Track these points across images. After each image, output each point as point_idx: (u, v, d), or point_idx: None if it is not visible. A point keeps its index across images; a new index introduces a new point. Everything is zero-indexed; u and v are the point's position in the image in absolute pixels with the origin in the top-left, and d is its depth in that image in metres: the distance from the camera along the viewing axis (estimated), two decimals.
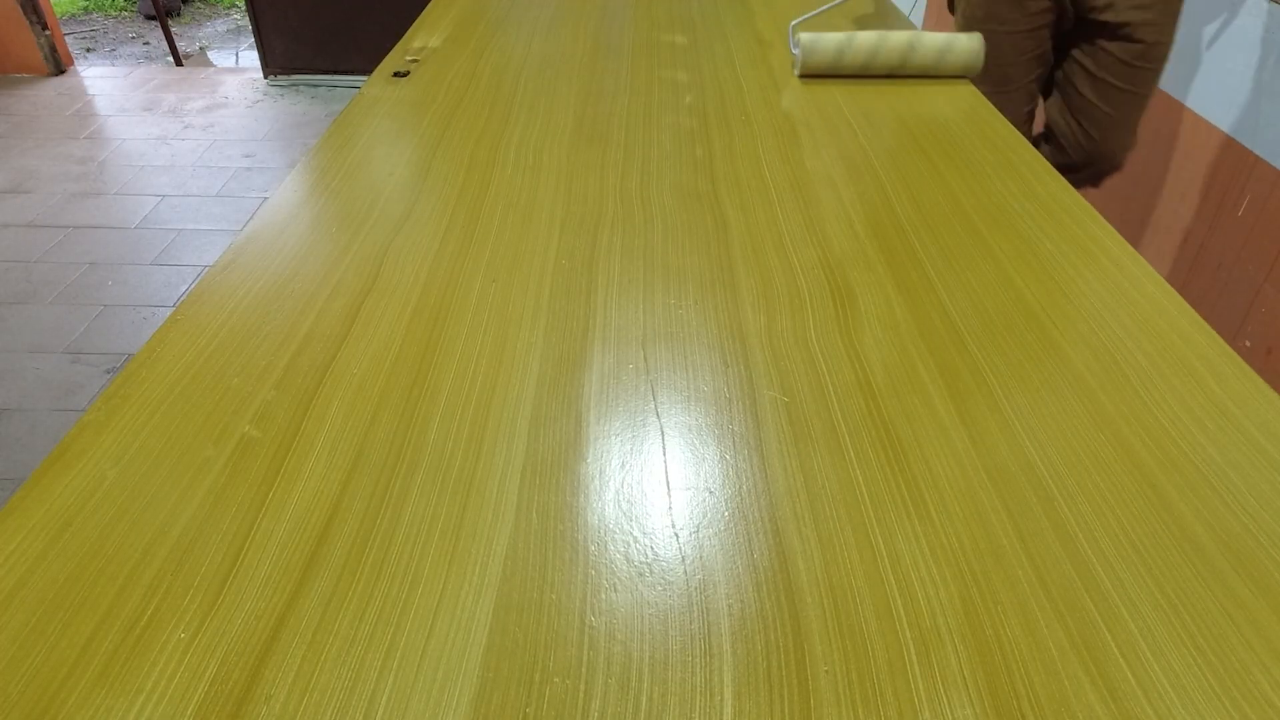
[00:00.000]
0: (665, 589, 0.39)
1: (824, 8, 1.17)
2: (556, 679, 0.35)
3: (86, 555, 0.40)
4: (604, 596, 0.39)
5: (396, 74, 1.00)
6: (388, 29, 3.19)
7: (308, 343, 0.55)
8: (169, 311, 0.56)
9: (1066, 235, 0.68)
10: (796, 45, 1.00)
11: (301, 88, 3.42)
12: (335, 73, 3.44)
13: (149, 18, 4.47)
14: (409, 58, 1.05)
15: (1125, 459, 0.47)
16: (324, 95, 3.36)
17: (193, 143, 2.94)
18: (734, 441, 0.48)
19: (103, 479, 0.45)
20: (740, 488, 0.45)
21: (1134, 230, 1.69)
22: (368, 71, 1.00)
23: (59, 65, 3.51)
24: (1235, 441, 0.48)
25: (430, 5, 1.26)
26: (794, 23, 1.09)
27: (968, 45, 1.00)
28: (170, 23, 4.16)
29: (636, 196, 0.73)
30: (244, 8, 3.69)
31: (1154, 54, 1.31)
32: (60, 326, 1.98)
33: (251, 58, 3.93)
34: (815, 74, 0.99)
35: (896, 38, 0.99)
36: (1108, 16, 1.29)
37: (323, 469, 0.45)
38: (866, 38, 0.98)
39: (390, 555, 0.41)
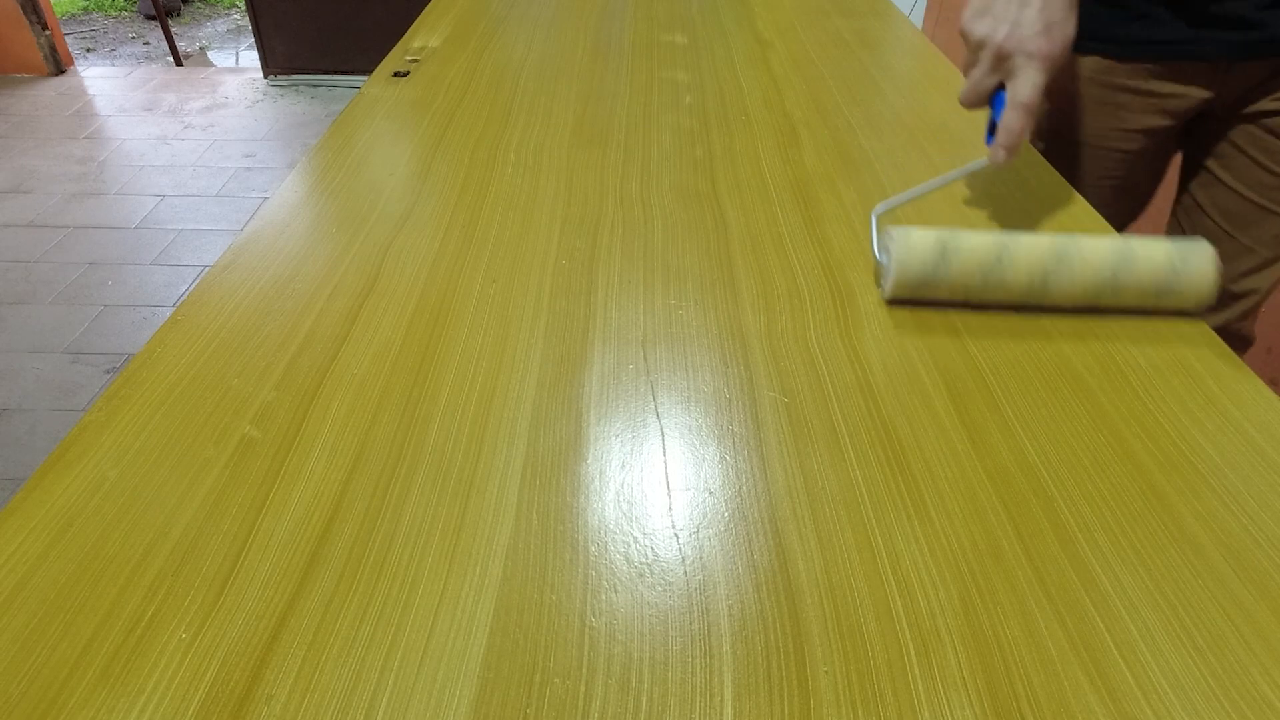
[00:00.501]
0: (665, 590, 0.39)
1: (915, 191, 0.66)
2: (557, 680, 0.35)
3: (87, 556, 0.40)
4: (604, 597, 0.39)
5: (396, 74, 1.00)
6: (388, 29, 3.19)
7: (308, 343, 0.55)
8: (169, 311, 0.56)
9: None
10: (884, 251, 0.59)
11: (301, 88, 3.42)
12: (335, 73, 3.44)
13: (149, 18, 4.47)
14: (409, 58, 1.05)
15: (1125, 459, 0.47)
16: (324, 95, 3.36)
17: (193, 143, 2.95)
18: (734, 442, 0.48)
19: (103, 479, 0.45)
20: (740, 488, 0.45)
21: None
22: (368, 71, 1.00)
23: (59, 65, 3.52)
24: (1235, 442, 0.48)
25: (430, 5, 1.27)
26: (878, 211, 0.64)
27: (1198, 269, 0.56)
28: (170, 23, 4.16)
29: (636, 196, 0.73)
30: (244, 8, 3.69)
31: None
32: (60, 326, 1.98)
33: (251, 58, 3.92)
34: (910, 300, 0.59)
35: (1058, 250, 0.56)
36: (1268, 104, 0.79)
37: (323, 469, 0.45)
38: (994, 248, 0.56)
39: (391, 556, 0.41)
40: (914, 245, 0.56)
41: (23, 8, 3.32)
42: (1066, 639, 0.37)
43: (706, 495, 0.44)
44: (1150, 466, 0.46)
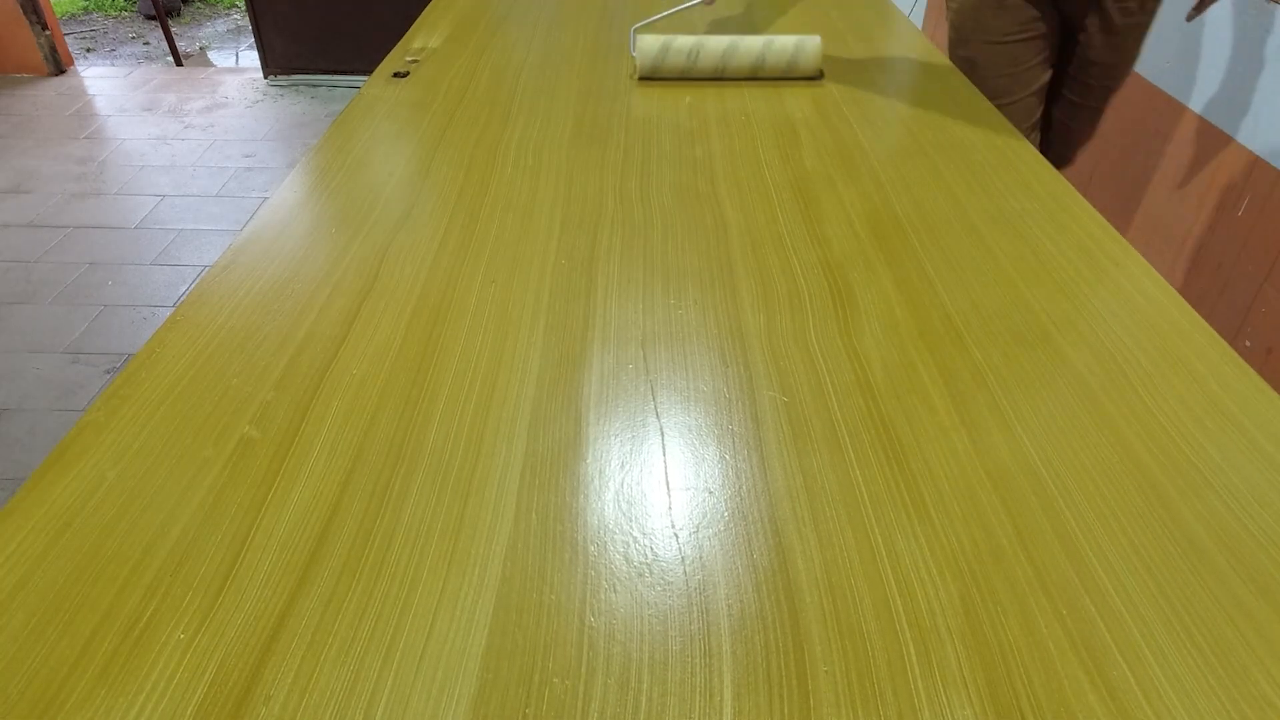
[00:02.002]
0: (665, 589, 0.39)
1: (667, 12, 1.09)
2: (556, 679, 0.35)
3: (86, 555, 0.40)
4: (603, 597, 0.39)
5: (396, 74, 0.99)
6: (388, 29, 3.19)
7: (307, 343, 0.55)
8: (169, 311, 0.56)
9: (1066, 235, 0.68)
10: (635, 49, 0.98)
11: (301, 88, 3.42)
12: (335, 73, 3.44)
13: (149, 18, 4.47)
14: (409, 58, 1.05)
15: (1125, 459, 0.47)
16: (324, 95, 3.36)
17: (193, 143, 2.95)
18: (733, 441, 0.48)
19: (103, 479, 0.45)
20: (740, 488, 0.45)
21: (1134, 230, 1.69)
22: (368, 71, 1.00)
23: (59, 65, 3.52)
24: (1235, 442, 0.48)
25: (430, 5, 1.26)
26: (635, 26, 1.05)
27: (812, 50, 0.99)
28: (170, 23, 4.16)
29: (636, 196, 0.73)
30: (244, 8, 3.69)
31: (1121, 73, 1.27)
32: (60, 326, 1.98)
33: (251, 58, 3.92)
34: (656, 77, 0.99)
35: (745, 45, 0.98)
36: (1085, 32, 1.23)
37: (322, 469, 0.45)
38: (714, 45, 0.98)
39: (390, 556, 0.41)
40: (649, 42, 0.99)
41: (23, 8, 3.32)
42: (1067, 638, 0.37)
43: (706, 495, 0.44)
44: (1151, 466, 0.46)
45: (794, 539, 0.42)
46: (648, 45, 0.98)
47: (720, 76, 0.99)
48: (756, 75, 0.99)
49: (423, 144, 0.82)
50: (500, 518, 0.43)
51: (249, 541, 0.41)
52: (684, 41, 0.98)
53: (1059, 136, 1.37)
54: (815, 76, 1.00)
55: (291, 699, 0.34)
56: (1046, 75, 1.33)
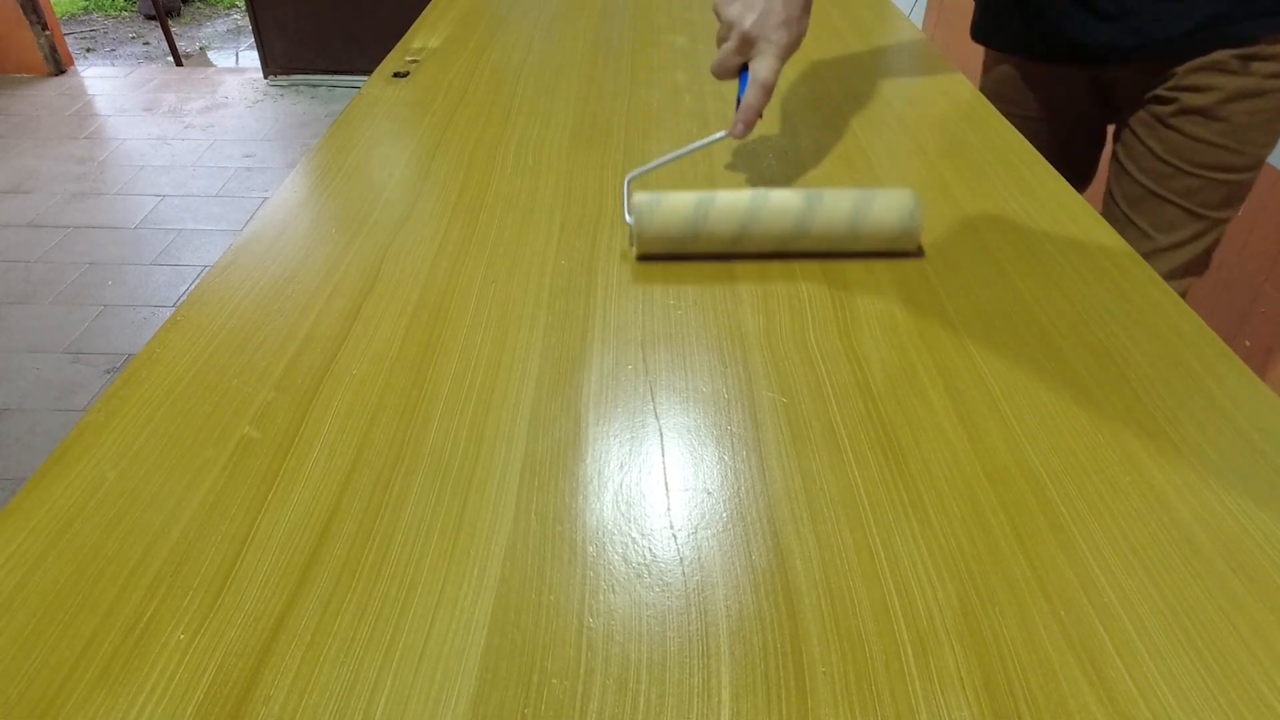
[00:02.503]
0: (663, 590, 0.39)
1: (664, 159, 0.72)
2: (554, 680, 0.35)
3: (86, 556, 0.41)
4: (602, 598, 0.39)
5: (396, 74, 1.00)
6: (388, 29, 3.19)
7: (308, 343, 0.55)
8: (169, 311, 0.56)
9: (1066, 235, 0.68)
10: (631, 213, 0.63)
11: (301, 88, 3.42)
12: (335, 73, 3.44)
13: (149, 18, 4.47)
14: (409, 58, 1.05)
15: (1124, 459, 0.47)
16: (324, 95, 3.36)
17: (193, 143, 2.95)
18: (732, 442, 0.48)
19: (103, 480, 0.45)
20: (739, 489, 0.45)
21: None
22: (368, 71, 1.00)
23: (59, 65, 3.52)
24: (1234, 443, 0.48)
25: (430, 5, 1.27)
26: (630, 176, 0.71)
27: (899, 210, 0.62)
28: (170, 23, 4.16)
29: None
30: (244, 8, 3.69)
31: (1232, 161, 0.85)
32: (60, 326, 1.98)
33: (251, 58, 3.92)
34: (658, 255, 0.64)
35: (777, 204, 0.62)
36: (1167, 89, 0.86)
37: (322, 470, 0.45)
38: (730, 204, 0.62)
39: (389, 556, 0.41)
40: (660, 207, 0.63)
41: (23, 8, 3.32)
42: (1065, 640, 0.37)
43: (705, 496, 0.44)
44: (1149, 466, 0.46)
45: (792, 540, 0.42)
46: (648, 211, 0.62)
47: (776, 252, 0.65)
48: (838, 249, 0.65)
49: (423, 144, 0.82)
50: (499, 518, 0.43)
51: (249, 542, 0.41)
52: (711, 206, 0.62)
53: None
54: (915, 253, 0.66)
55: (291, 699, 0.35)
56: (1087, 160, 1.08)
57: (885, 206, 0.62)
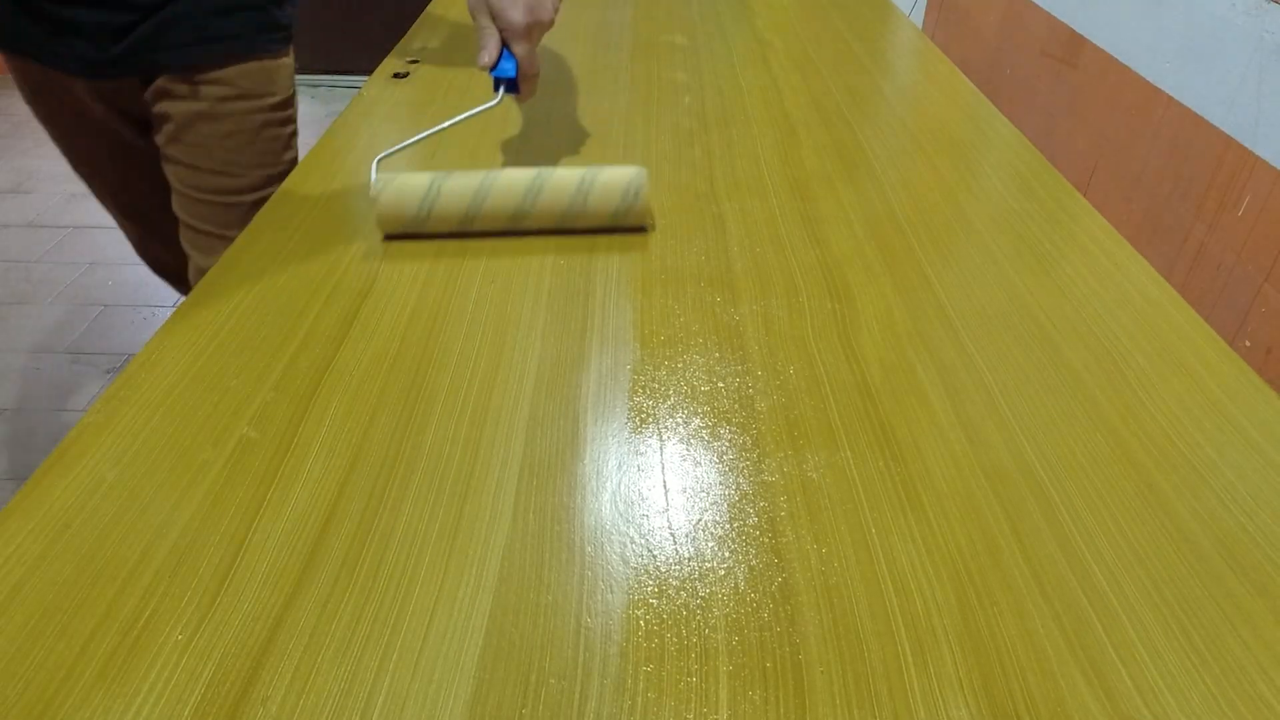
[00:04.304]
0: (661, 590, 0.39)
1: (420, 136, 0.72)
2: (552, 680, 0.35)
3: (85, 557, 0.40)
4: (600, 598, 0.39)
5: (396, 75, 1.00)
6: (388, 29, 3.19)
7: (306, 344, 0.55)
8: (169, 312, 0.56)
9: (1066, 235, 0.68)
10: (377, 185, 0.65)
11: (302, 88, 3.41)
12: (335, 73, 3.43)
13: None
14: (409, 59, 1.05)
15: (1123, 459, 0.47)
16: (324, 95, 3.36)
17: None
18: (730, 442, 0.48)
19: (102, 480, 0.45)
20: (737, 488, 0.45)
21: (1134, 230, 1.69)
22: (368, 71, 0.99)
23: None
24: (1234, 442, 0.48)
25: (430, 5, 1.26)
26: (379, 157, 0.71)
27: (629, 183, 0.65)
28: None
29: None
30: None
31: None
32: (60, 326, 1.98)
33: None
34: (401, 234, 0.67)
35: (513, 180, 0.64)
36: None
37: (320, 470, 0.45)
38: (461, 183, 0.64)
39: (387, 557, 0.41)
40: (400, 186, 0.65)
41: None
42: (1063, 639, 0.37)
43: (703, 496, 0.44)
44: (1148, 465, 0.46)
45: (790, 539, 0.42)
46: (392, 189, 0.64)
47: (509, 230, 0.66)
48: (568, 225, 0.67)
49: (422, 145, 0.82)
50: (498, 518, 0.43)
51: (247, 542, 0.41)
52: (443, 184, 0.64)
53: None
54: (640, 229, 0.68)
55: (289, 700, 0.35)
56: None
57: (610, 182, 0.65)
